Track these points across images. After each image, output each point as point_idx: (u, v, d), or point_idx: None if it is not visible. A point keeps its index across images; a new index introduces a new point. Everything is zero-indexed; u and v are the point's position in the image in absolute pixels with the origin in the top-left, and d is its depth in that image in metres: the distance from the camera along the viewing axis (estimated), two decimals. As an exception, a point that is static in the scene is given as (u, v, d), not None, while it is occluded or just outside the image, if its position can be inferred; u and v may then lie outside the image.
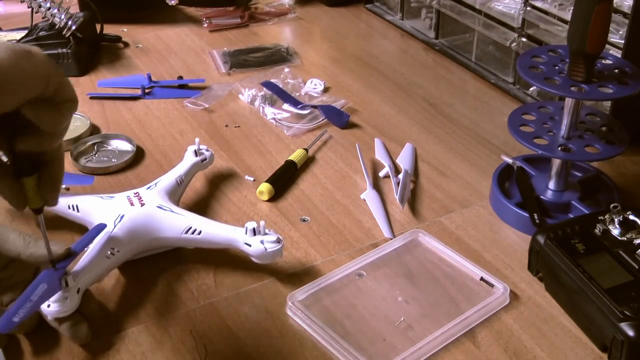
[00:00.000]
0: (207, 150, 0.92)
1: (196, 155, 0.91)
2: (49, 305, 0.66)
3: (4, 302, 0.69)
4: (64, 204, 0.83)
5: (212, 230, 0.78)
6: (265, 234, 0.76)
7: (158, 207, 0.80)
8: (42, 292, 0.63)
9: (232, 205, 0.89)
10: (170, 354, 0.69)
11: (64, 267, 0.65)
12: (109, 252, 0.74)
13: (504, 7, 1.13)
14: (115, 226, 0.77)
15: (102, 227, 0.74)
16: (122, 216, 0.78)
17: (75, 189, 0.92)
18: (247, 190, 0.92)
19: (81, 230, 0.80)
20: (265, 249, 0.74)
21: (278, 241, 0.75)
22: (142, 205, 0.80)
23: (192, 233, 0.77)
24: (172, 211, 0.80)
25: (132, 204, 0.80)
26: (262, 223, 0.75)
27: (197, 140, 0.91)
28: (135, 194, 0.82)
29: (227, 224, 0.78)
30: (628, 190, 0.92)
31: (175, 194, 0.85)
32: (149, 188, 0.84)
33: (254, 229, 0.75)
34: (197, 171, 0.91)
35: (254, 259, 0.76)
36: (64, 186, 0.92)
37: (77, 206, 0.82)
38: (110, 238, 0.75)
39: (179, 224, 0.78)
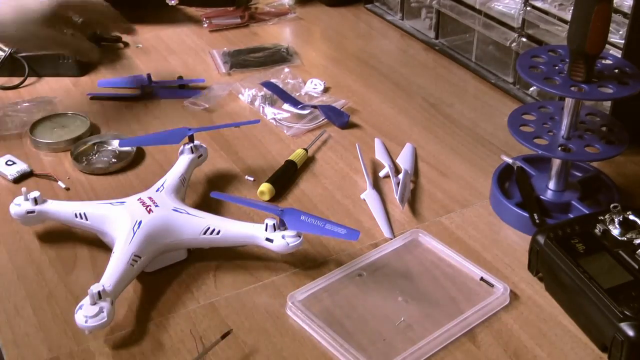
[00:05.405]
0: (201, 146, 0.93)
1: (192, 152, 0.91)
2: (86, 321, 0.66)
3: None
4: (70, 212, 0.81)
5: (231, 228, 0.78)
6: (285, 229, 0.77)
7: (174, 209, 0.79)
8: None
9: (232, 205, 0.89)
10: (170, 354, 0.69)
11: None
12: (132, 260, 0.74)
13: (504, 7, 1.13)
14: (135, 233, 0.76)
15: (184, 131, 0.91)
16: (140, 222, 0.77)
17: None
18: (248, 190, 0.92)
19: (88, 240, 0.79)
20: (288, 244, 0.76)
21: (298, 235, 0.76)
22: (158, 208, 0.79)
23: (212, 233, 0.77)
24: (188, 213, 0.79)
25: (148, 210, 0.79)
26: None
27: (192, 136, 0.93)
28: (148, 198, 0.81)
29: (244, 222, 0.79)
30: (628, 190, 0.92)
31: (180, 194, 0.85)
32: (158, 190, 0.83)
33: (274, 224, 0.76)
34: (194, 168, 0.92)
35: (275, 252, 0.77)
36: (63, 186, 0.92)
37: (84, 214, 0.80)
38: (131, 245, 0.74)
39: (197, 225, 0.78)
